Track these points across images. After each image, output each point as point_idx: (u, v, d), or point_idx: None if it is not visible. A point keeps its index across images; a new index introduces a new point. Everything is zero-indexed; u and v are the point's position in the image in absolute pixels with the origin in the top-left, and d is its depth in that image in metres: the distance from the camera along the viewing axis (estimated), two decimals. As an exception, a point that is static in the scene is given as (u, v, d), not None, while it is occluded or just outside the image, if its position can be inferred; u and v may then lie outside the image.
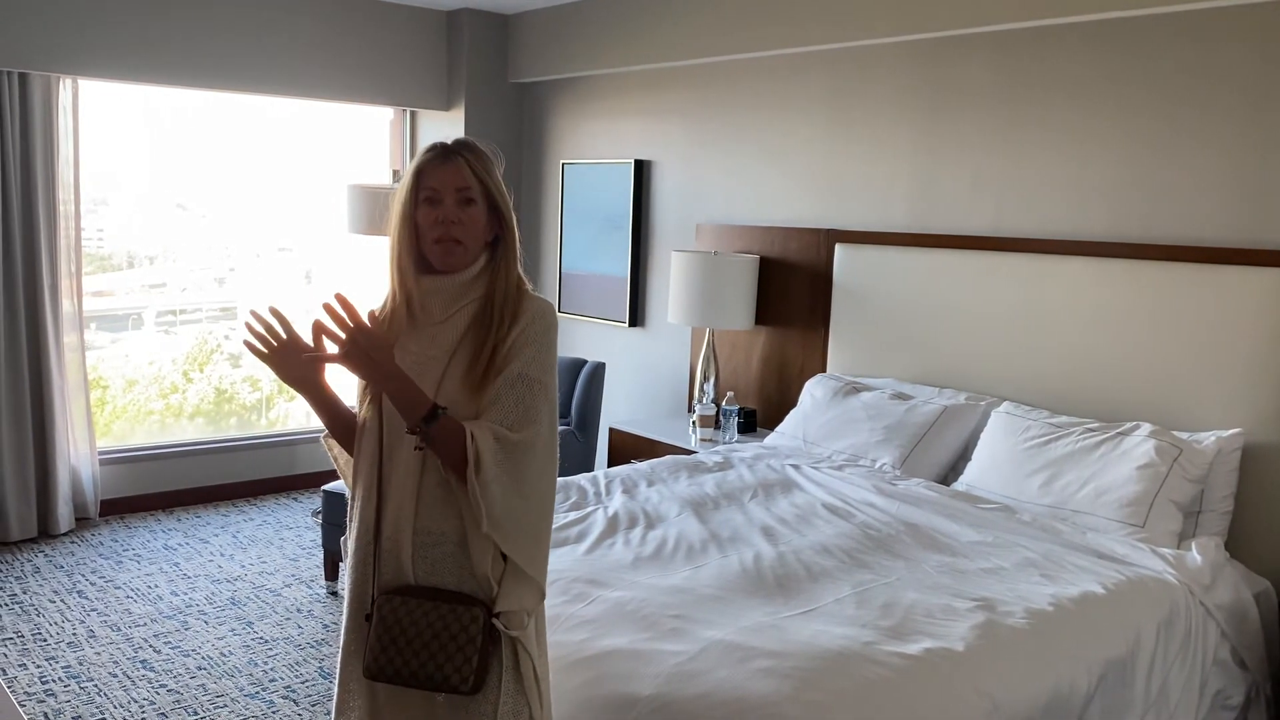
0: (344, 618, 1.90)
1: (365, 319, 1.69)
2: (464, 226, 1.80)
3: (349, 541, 1.90)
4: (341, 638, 1.90)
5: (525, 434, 1.75)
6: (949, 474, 3.66)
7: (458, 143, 1.86)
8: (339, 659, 1.91)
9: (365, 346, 1.67)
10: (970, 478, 3.47)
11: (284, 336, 1.82)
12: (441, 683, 1.74)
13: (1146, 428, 3.19)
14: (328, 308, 1.68)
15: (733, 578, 2.64)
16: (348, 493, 1.97)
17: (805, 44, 4.23)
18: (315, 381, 1.88)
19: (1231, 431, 3.13)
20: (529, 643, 1.80)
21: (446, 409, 1.72)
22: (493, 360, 1.78)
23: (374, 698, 1.86)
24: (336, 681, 1.90)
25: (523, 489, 1.75)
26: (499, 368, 1.78)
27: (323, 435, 1.99)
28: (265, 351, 1.82)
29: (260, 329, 1.81)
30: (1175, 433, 3.17)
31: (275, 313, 1.83)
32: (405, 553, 1.79)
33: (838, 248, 4.25)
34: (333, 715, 1.90)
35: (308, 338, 1.81)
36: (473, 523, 1.75)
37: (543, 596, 1.83)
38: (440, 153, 1.83)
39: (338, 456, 2.00)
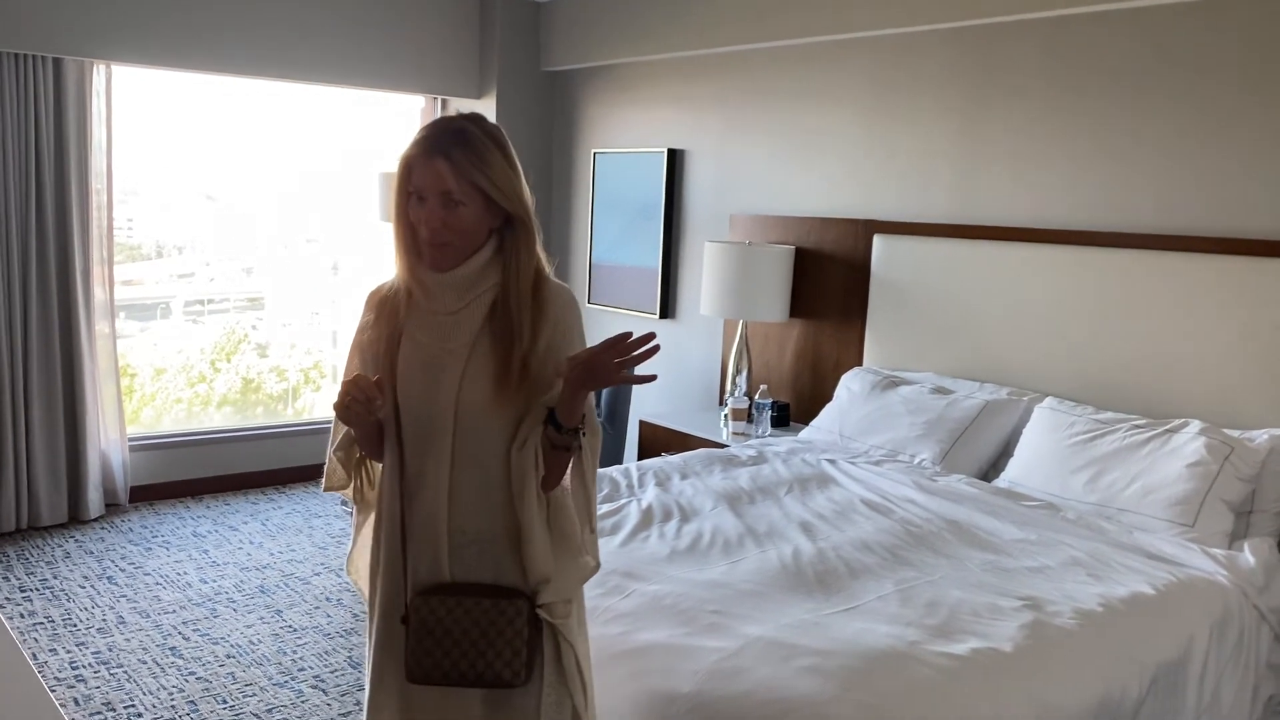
0: (373, 620, 1.85)
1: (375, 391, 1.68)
2: (451, 229, 1.70)
3: (376, 541, 1.86)
4: (372, 640, 1.85)
5: (597, 427, 1.79)
6: (990, 470, 3.58)
7: (446, 138, 1.69)
8: (369, 661, 1.87)
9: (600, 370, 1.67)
10: (1012, 474, 3.39)
11: (379, 400, 1.69)
12: (493, 679, 1.71)
13: (1196, 425, 3.11)
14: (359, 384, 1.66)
15: (771, 573, 2.58)
16: (350, 502, 1.94)
17: (846, 30, 4.15)
18: (378, 427, 1.80)
19: (1285, 430, 3.04)
20: (570, 632, 1.78)
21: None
22: (526, 364, 1.72)
23: (407, 698, 1.82)
24: (367, 684, 1.86)
25: (592, 477, 1.82)
26: (536, 367, 1.73)
27: (332, 453, 1.88)
28: (365, 415, 1.69)
29: (362, 399, 1.66)
30: (1226, 430, 3.08)
31: (380, 384, 1.70)
32: (441, 552, 1.76)
33: (876, 238, 4.17)
34: (365, 717, 1.86)
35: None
36: (534, 523, 1.73)
37: (590, 575, 1.81)
38: (425, 150, 1.68)
39: (346, 473, 1.90)
